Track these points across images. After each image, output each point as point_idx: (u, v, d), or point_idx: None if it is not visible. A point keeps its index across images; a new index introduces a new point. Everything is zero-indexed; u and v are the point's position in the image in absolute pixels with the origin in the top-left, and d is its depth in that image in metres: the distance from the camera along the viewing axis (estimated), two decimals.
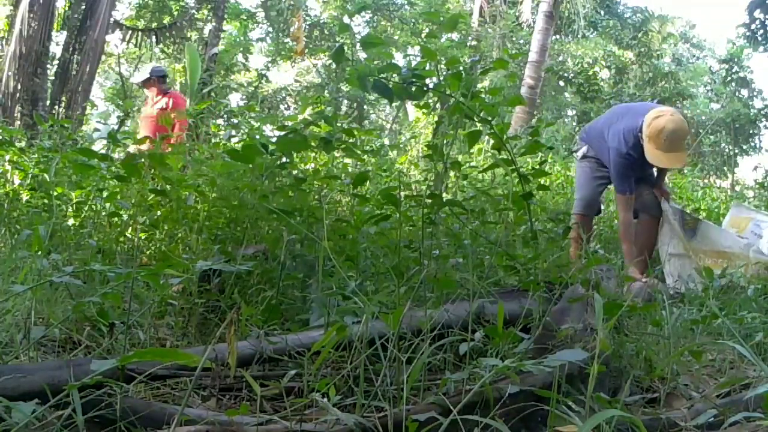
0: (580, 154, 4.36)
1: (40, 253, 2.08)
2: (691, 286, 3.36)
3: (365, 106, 21.62)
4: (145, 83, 6.52)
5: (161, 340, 2.01)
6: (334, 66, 18.70)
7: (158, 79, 6.33)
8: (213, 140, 5.70)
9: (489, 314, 1.87)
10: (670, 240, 3.96)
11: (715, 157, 19.63)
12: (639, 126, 3.79)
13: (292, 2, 18.68)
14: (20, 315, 1.76)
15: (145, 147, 3.24)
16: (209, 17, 15.61)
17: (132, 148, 3.95)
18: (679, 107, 18.41)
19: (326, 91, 18.91)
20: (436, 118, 8.68)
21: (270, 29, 20.76)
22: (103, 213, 3.03)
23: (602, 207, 4.48)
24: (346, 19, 20.07)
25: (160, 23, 16.12)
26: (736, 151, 19.40)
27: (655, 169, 4.15)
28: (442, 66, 2.32)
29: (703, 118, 19.47)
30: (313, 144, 2.55)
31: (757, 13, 12.87)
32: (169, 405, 1.40)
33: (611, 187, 4.22)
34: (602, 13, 19.77)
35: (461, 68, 2.31)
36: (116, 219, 2.96)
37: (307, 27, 20.01)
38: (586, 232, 3.87)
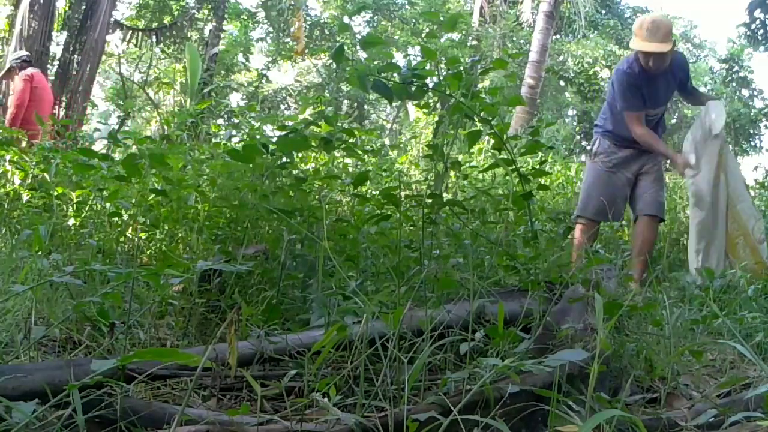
0: (594, 149, 4.21)
1: (40, 252, 2.08)
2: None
3: (366, 106, 21.63)
4: (8, 74, 6.50)
5: (162, 340, 2.01)
6: (334, 66, 18.69)
7: (19, 67, 6.27)
8: (213, 140, 5.71)
9: (489, 314, 1.87)
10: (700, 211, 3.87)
11: None
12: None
13: (292, 2, 18.67)
14: (21, 315, 1.76)
15: None
16: (210, 17, 15.61)
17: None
18: (680, 106, 18.42)
19: (327, 91, 18.92)
20: (436, 118, 8.67)
21: (270, 29, 20.76)
22: (104, 213, 3.03)
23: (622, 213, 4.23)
24: (346, 19, 20.07)
25: (160, 23, 16.10)
26: (737, 150, 19.40)
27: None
28: (442, 66, 2.32)
29: None
30: (313, 144, 2.55)
31: (757, 13, 12.86)
32: (169, 405, 1.40)
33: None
34: (603, 12, 19.76)
35: (461, 68, 2.31)
36: (117, 219, 2.96)
37: (307, 27, 20.01)
38: (588, 240, 3.82)
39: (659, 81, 3.92)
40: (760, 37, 13.41)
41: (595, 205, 3.96)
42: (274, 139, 2.59)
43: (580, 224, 4.00)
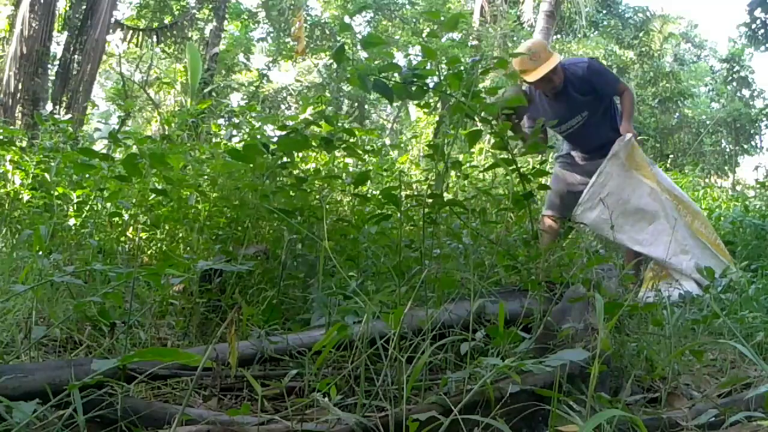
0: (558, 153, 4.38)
1: (41, 252, 2.08)
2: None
3: (366, 106, 21.63)
4: None
5: (162, 340, 2.01)
6: (335, 66, 18.67)
7: None
8: (214, 140, 5.70)
9: (490, 314, 1.87)
10: (610, 180, 3.74)
11: (716, 156, 19.63)
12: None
13: (293, 2, 18.67)
14: (21, 315, 1.76)
15: None
16: (210, 17, 15.60)
17: None
18: (680, 107, 18.43)
19: (327, 91, 18.92)
20: (436, 118, 8.68)
21: (271, 29, 20.77)
22: (104, 213, 3.03)
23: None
24: (346, 19, 20.07)
25: (161, 23, 16.09)
26: (737, 150, 19.40)
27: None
28: (443, 66, 2.31)
29: (704, 117, 19.47)
30: (314, 144, 2.55)
31: (758, 13, 12.85)
32: (170, 405, 1.40)
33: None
34: (603, 12, 19.75)
35: (462, 68, 2.31)
36: (117, 219, 2.96)
37: (308, 26, 20.01)
38: (550, 232, 3.90)
39: (561, 99, 3.89)
40: (760, 37, 13.39)
41: (550, 201, 4.17)
42: (275, 139, 2.59)
43: (545, 217, 4.12)
